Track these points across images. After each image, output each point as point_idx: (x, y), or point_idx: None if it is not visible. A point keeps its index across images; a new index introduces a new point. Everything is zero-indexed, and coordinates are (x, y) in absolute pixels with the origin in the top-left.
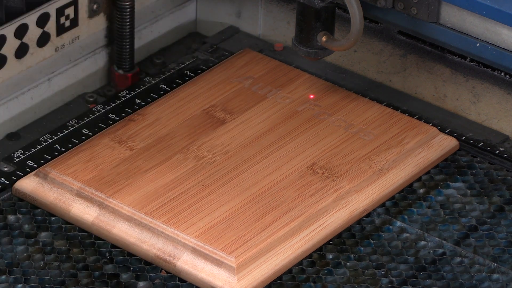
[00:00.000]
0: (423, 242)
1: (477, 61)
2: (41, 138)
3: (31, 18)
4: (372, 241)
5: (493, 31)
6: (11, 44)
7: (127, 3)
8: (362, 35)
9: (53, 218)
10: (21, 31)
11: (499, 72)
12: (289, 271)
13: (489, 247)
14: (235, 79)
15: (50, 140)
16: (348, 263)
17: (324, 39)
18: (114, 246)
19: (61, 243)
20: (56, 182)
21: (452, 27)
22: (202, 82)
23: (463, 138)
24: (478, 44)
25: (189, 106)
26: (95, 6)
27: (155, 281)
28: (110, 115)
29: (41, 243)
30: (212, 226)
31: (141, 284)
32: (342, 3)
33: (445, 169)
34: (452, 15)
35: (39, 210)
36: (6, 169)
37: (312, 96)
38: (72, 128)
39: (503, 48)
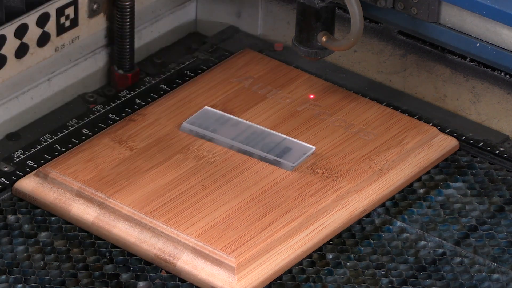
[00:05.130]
0: (423, 242)
1: (477, 61)
2: (41, 138)
3: (31, 18)
4: (372, 241)
5: (493, 31)
6: (11, 44)
7: (127, 3)
8: (362, 35)
9: (53, 218)
10: (21, 31)
11: (499, 72)
12: (289, 271)
13: (489, 247)
14: (235, 79)
15: (50, 140)
16: (348, 263)
17: (324, 39)
18: (114, 246)
19: (61, 243)
20: (56, 182)
21: (452, 27)
22: (202, 82)
23: (463, 138)
24: (478, 44)
25: (189, 106)
26: (95, 6)
27: (155, 281)
28: (110, 115)
29: (41, 243)
30: (212, 226)
31: (141, 284)
32: (342, 3)
33: (445, 169)
34: (452, 15)
35: (39, 210)
36: (6, 169)
37: (312, 96)
38: (72, 128)
39: (503, 48)
